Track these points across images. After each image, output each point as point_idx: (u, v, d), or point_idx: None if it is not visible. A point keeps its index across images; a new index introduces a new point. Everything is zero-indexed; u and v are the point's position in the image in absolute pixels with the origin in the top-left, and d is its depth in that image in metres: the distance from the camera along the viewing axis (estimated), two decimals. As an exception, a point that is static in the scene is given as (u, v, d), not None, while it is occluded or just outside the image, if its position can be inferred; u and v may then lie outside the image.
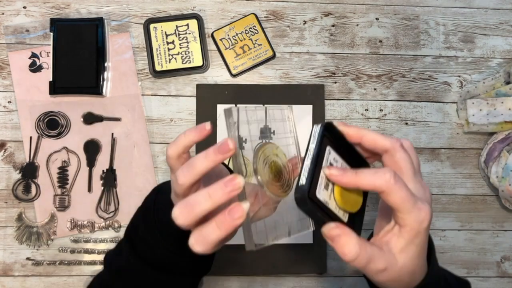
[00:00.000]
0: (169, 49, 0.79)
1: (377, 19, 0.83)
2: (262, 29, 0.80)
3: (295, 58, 0.82)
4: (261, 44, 0.80)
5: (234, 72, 0.80)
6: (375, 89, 0.82)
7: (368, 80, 0.82)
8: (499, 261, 0.81)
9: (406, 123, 0.82)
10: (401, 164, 0.46)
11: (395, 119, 0.82)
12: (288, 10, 0.82)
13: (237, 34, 0.80)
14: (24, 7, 0.80)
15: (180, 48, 0.79)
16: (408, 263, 0.45)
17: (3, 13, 0.80)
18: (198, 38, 0.79)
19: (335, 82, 0.82)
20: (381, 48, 0.82)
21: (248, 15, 0.81)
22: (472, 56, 0.83)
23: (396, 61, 0.82)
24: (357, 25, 0.82)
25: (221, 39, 0.80)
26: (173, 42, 0.79)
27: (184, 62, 0.79)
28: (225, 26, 0.80)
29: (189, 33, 0.79)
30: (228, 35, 0.80)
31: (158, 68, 0.79)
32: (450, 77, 0.83)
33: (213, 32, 0.80)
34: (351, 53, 0.82)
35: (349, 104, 0.81)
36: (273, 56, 0.80)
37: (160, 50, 0.79)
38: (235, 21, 0.81)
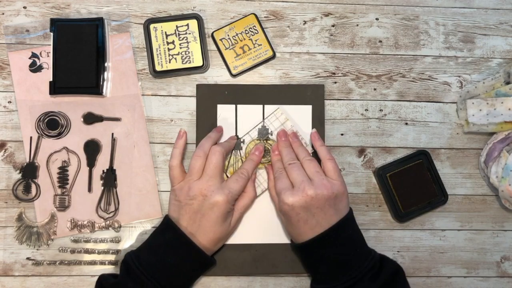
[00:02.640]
0: (169, 49, 0.79)
1: (377, 19, 0.83)
2: (262, 29, 0.80)
3: (295, 58, 0.82)
4: (261, 44, 0.80)
5: (234, 72, 0.80)
6: (375, 89, 0.82)
7: (368, 80, 0.82)
8: (499, 261, 0.81)
9: (406, 123, 0.82)
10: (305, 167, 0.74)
11: (395, 119, 0.82)
12: (288, 10, 0.82)
13: (237, 34, 0.80)
14: (24, 7, 0.80)
15: (180, 48, 0.79)
16: (287, 228, 0.75)
17: (3, 13, 0.80)
18: (198, 38, 0.79)
19: (335, 82, 0.82)
20: (381, 48, 0.82)
21: (248, 15, 0.81)
22: (472, 56, 0.83)
23: (396, 61, 0.82)
24: (357, 25, 0.82)
25: (221, 39, 0.80)
26: (173, 42, 0.79)
27: (184, 62, 0.79)
28: (225, 26, 0.80)
29: (189, 33, 0.79)
30: (228, 35, 0.80)
31: (158, 68, 0.79)
32: (450, 77, 0.83)
33: (213, 32, 0.80)
34: (351, 53, 0.82)
35: (349, 104, 0.81)
36: (273, 56, 0.81)
37: (160, 50, 0.79)
38: (235, 21, 0.81)
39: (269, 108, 0.80)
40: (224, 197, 0.71)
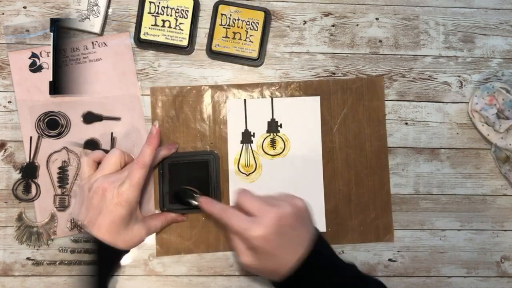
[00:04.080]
0: (162, 21, 0.78)
1: (377, 19, 0.83)
2: (263, 30, 0.80)
3: (295, 58, 0.82)
4: (252, 42, 0.80)
5: (214, 49, 0.79)
6: (375, 89, 0.82)
7: (368, 80, 0.82)
8: (499, 261, 0.81)
9: (406, 123, 0.82)
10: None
11: (395, 119, 0.82)
12: (288, 10, 0.82)
13: (238, 19, 0.80)
14: (24, 7, 0.80)
15: (172, 20, 0.78)
16: (263, 267, 0.65)
17: (3, 13, 0.80)
18: (190, 17, 0.78)
19: (335, 82, 0.82)
20: (381, 48, 0.82)
21: (260, 9, 0.79)
22: (472, 56, 0.83)
23: (396, 61, 0.82)
24: (357, 25, 0.82)
25: (222, 14, 0.79)
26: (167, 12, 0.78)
27: (170, 38, 0.78)
28: (234, 6, 0.79)
29: (184, 10, 0.78)
30: (230, 15, 0.79)
31: (143, 36, 0.78)
32: (450, 77, 0.83)
33: (219, 3, 0.79)
34: (351, 53, 0.82)
35: (349, 104, 0.82)
36: (256, 59, 0.79)
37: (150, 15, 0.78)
38: (245, 7, 0.79)
39: (277, 101, 0.80)
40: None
